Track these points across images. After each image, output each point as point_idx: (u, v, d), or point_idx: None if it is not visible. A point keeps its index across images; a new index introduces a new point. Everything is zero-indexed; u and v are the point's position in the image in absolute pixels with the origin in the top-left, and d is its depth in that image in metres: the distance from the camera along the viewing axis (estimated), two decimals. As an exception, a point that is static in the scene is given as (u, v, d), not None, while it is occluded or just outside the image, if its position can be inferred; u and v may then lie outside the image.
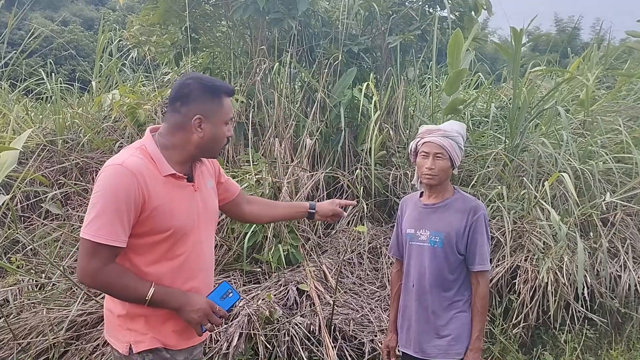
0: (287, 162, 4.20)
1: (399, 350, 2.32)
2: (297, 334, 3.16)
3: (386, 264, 3.99)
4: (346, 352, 3.20)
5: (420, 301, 2.18)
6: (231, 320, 3.16)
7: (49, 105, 5.80)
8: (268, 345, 3.10)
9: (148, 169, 1.65)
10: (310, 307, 3.38)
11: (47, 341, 3.04)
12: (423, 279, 2.16)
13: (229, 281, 3.53)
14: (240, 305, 3.26)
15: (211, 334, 3.00)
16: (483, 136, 5.40)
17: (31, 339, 3.08)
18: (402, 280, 2.29)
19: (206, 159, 1.90)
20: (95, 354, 3.02)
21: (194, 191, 1.79)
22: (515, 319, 3.61)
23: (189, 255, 1.74)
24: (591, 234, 4.05)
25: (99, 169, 1.71)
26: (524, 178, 4.25)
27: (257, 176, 4.01)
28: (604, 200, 3.89)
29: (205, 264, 1.82)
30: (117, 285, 1.62)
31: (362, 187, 4.25)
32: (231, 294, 1.77)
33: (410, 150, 2.27)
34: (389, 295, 3.49)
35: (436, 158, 2.12)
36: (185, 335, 1.75)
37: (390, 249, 2.42)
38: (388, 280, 3.76)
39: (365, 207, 4.16)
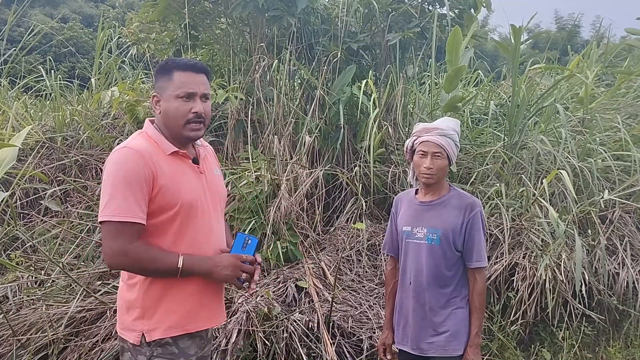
0: (286, 160, 4.20)
1: (396, 348, 2.32)
2: (295, 330, 3.17)
3: (385, 261, 3.99)
4: (344, 349, 3.21)
5: (418, 298, 2.18)
6: (230, 317, 3.17)
7: (48, 102, 5.81)
8: (267, 342, 3.11)
9: (153, 148, 1.72)
10: (309, 304, 3.39)
11: (47, 337, 3.05)
12: (420, 275, 2.16)
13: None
14: (239, 301, 3.27)
15: (212, 330, 2.99)
16: (482, 134, 5.39)
17: (30, 335, 3.09)
18: (398, 277, 2.28)
19: (205, 147, 1.95)
20: (94, 350, 3.03)
21: (200, 173, 1.83)
22: (514, 316, 3.62)
23: (198, 237, 1.75)
24: (589, 231, 4.05)
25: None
26: (523, 175, 4.25)
27: (256, 173, 4.02)
28: (602, 197, 3.90)
29: (216, 251, 1.82)
30: (147, 260, 1.64)
31: (361, 185, 4.25)
32: (249, 241, 1.79)
33: (406, 148, 2.25)
34: (387, 292, 3.50)
35: (435, 157, 2.11)
36: (203, 314, 1.76)
37: (384, 246, 2.40)
38: (387, 277, 3.76)
39: (364, 204, 4.16)
